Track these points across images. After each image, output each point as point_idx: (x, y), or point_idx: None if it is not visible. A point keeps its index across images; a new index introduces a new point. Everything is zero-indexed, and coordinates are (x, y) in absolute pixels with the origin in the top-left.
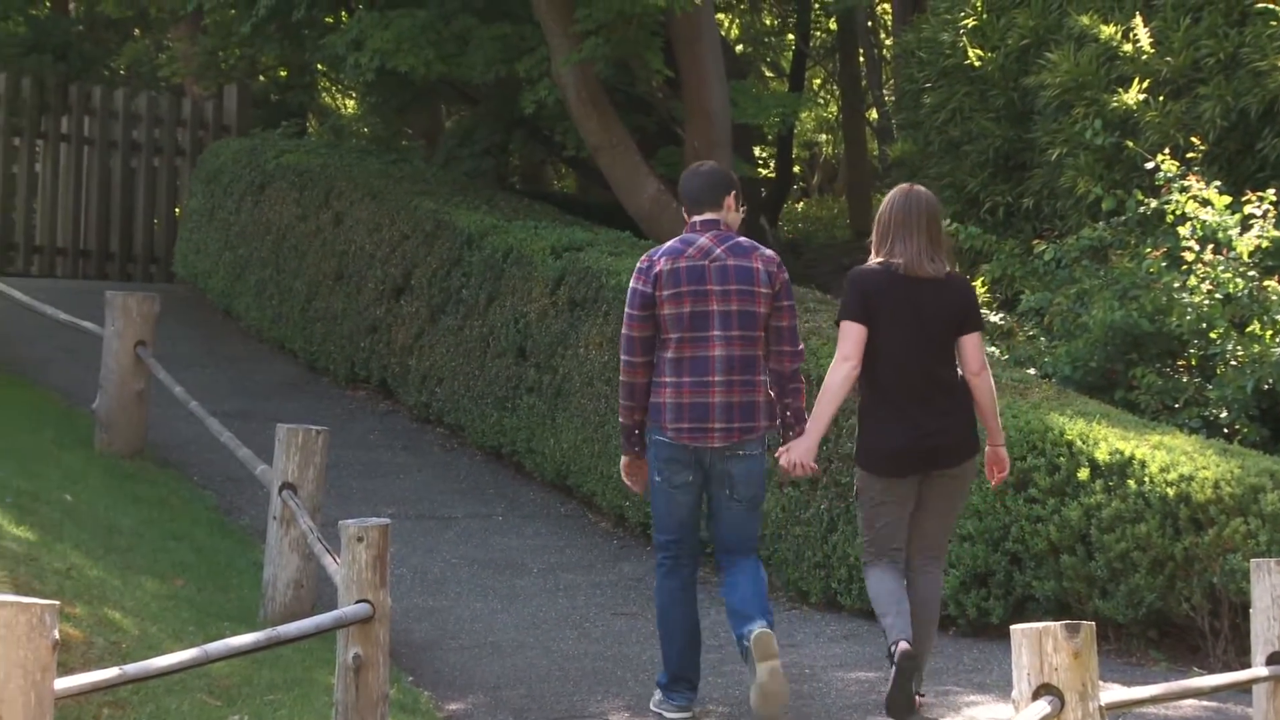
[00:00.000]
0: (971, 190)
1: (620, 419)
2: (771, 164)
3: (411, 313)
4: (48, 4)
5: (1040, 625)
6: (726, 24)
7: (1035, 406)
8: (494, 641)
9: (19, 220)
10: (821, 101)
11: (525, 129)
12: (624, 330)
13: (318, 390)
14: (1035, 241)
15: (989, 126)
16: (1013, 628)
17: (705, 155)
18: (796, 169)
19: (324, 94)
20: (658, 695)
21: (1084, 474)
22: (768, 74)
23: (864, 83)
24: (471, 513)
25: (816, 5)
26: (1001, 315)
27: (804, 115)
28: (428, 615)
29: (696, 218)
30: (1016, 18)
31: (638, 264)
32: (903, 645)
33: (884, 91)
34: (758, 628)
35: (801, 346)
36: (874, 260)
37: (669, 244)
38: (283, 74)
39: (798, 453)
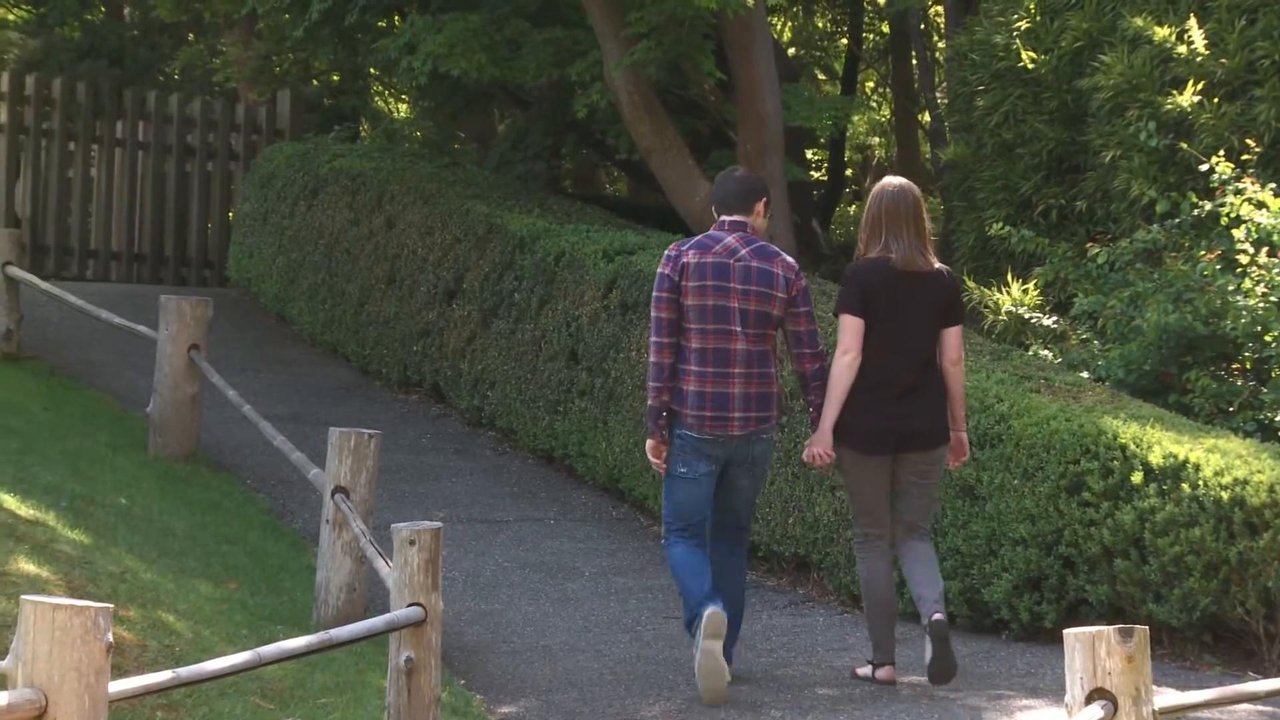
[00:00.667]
0: (1024, 193)
1: (649, 400)
2: (824, 167)
3: (463, 316)
4: (103, 9)
5: (1094, 629)
6: (779, 27)
7: (1089, 410)
8: (546, 645)
9: (74, 225)
10: (874, 104)
11: (577, 133)
12: (653, 312)
13: (370, 394)
14: (1089, 245)
15: (1042, 129)
16: (1066, 632)
17: (757, 158)
18: (849, 172)
19: (377, 98)
20: (692, 640)
21: (1137, 478)
22: (820, 77)
23: (916, 85)
24: (523, 516)
25: (869, 8)
26: (1055, 319)
27: (856, 118)
28: (479, 619)
29: (726, 218)
30: (1070, 20)
31: (666, 251)
32: (937, 616)
33: (936, 94)
34: (710, 607)
35: (822, 347)
36: (868, 254)
37: (697, 238)
38: (336, 78)
39: (818, 446)
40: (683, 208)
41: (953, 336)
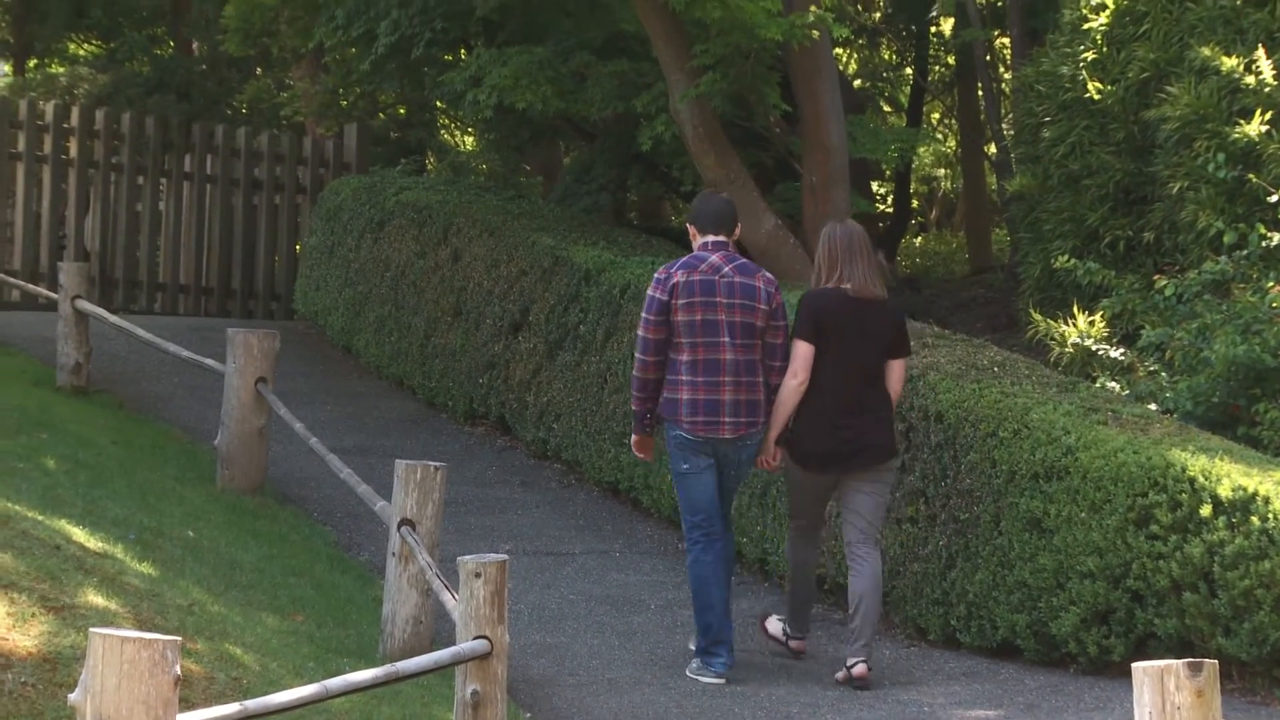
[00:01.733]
0: (1091, 224)
1: (633, 406)
2: (889, 199)
3: (529, 349)
4: (171, 45)
5: (1162, 663)
6: (844, 59)
7: (1156, 442)
8: (611, 678)
9: (143, 258)
10: (940, 136)
11: (643, 165)
12: (640, 333)
13: (436, 426)
14: (1156, 276)
15: (1109, 160)
16: (1134, 666)
17: (822, 190)
18: (914, 204)
19: (443, 131)
20: (695, 663)
21: (1206, 510)
22: (886, 109)
23: (982, 117)
24: (589, 549)
25: (935, 40)
26: (1122, 350)
27: (922, 150)
28: (545, 651)
29: (709, 239)
30: (1137, 50)
31: (655, 275)
32: (858, 669)
33: (1003, 125)
34: (726, 669)
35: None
36: (825, 284)
37: (683, 259)
38: (402, 112)
39: (764, 455)
40: (748, 240)
41: (898, 369)
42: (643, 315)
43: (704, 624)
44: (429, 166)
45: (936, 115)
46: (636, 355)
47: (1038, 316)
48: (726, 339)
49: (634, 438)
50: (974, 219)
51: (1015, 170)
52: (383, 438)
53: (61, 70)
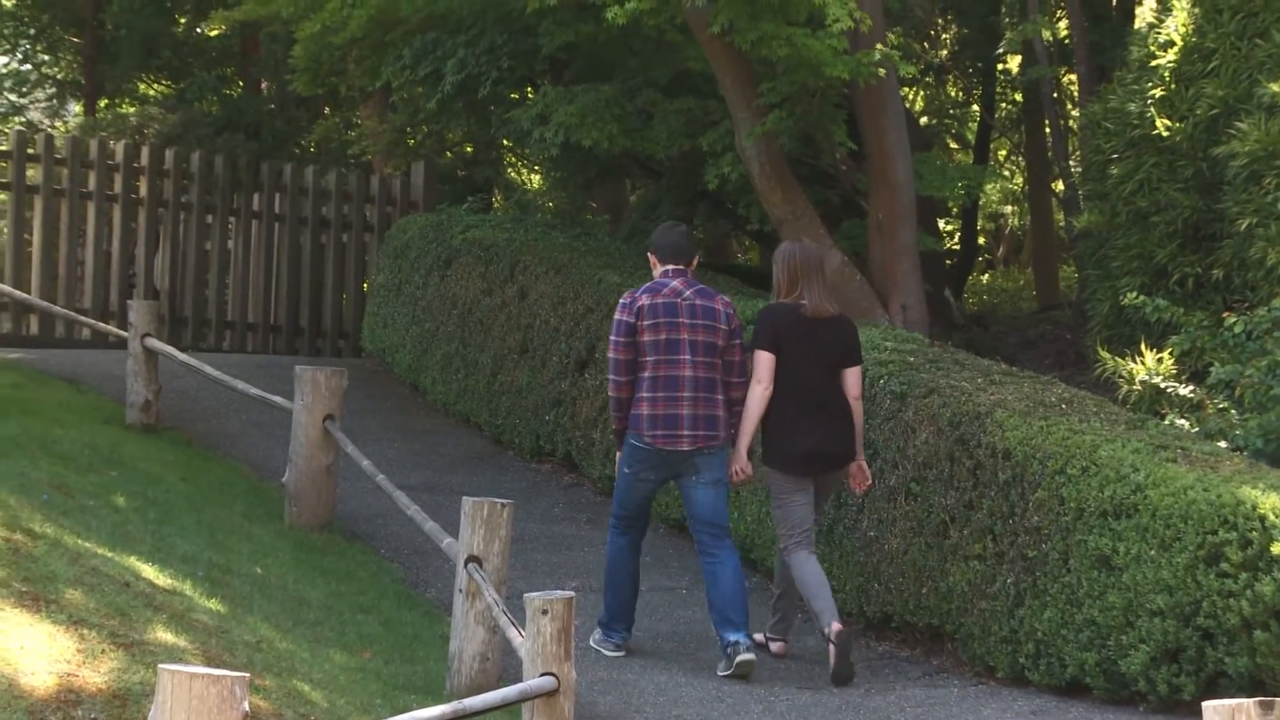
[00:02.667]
0: (1160, 261)
1: (613, 425)
2: (956, 236)
3: (595, 386)
4: (240, 84)
5: (1233, 702)
6: (911, 96)
7: (1227, 480)
8: (679, 715)
9: (211, 296)
10: (1007, 173)
11: (709, 203)
12: (610, 355)
13: (503, 463)
14: (1225, 313)
15: (1177, 197)
16: (1205, 704)
17: (889, 227)
18: (981, 241)
19: (509, 169)
20: (598, 634)
21: (1277, 548)
22: (952, 146)
23: (1050, 154)
24: (656, 586)
25: (1002, 77)
26: (1191, 388)
27: (989, 187)
28: (612, 688)
29: (669, 266)
30: (1205, 87)
31: (621, 300)
32: (836, 626)
33: (1070, 162)
34: (743, 650)
35: (747, 380)
36: (783, 300)
37: (647, 285)
38: (469, 150)
39: (735, 465)
40: None
41: (853, 376)
42: (611, 338)
43: (609, 602)
44: (495, 204)
45: (1004, 152)
46: (609, 376)
47: (1106, 354)
48: (688, 357)
49: (619, 454)
50: (1041, 256)
51: (1083, 207)
52: (449, 475)
53: (132, 110)
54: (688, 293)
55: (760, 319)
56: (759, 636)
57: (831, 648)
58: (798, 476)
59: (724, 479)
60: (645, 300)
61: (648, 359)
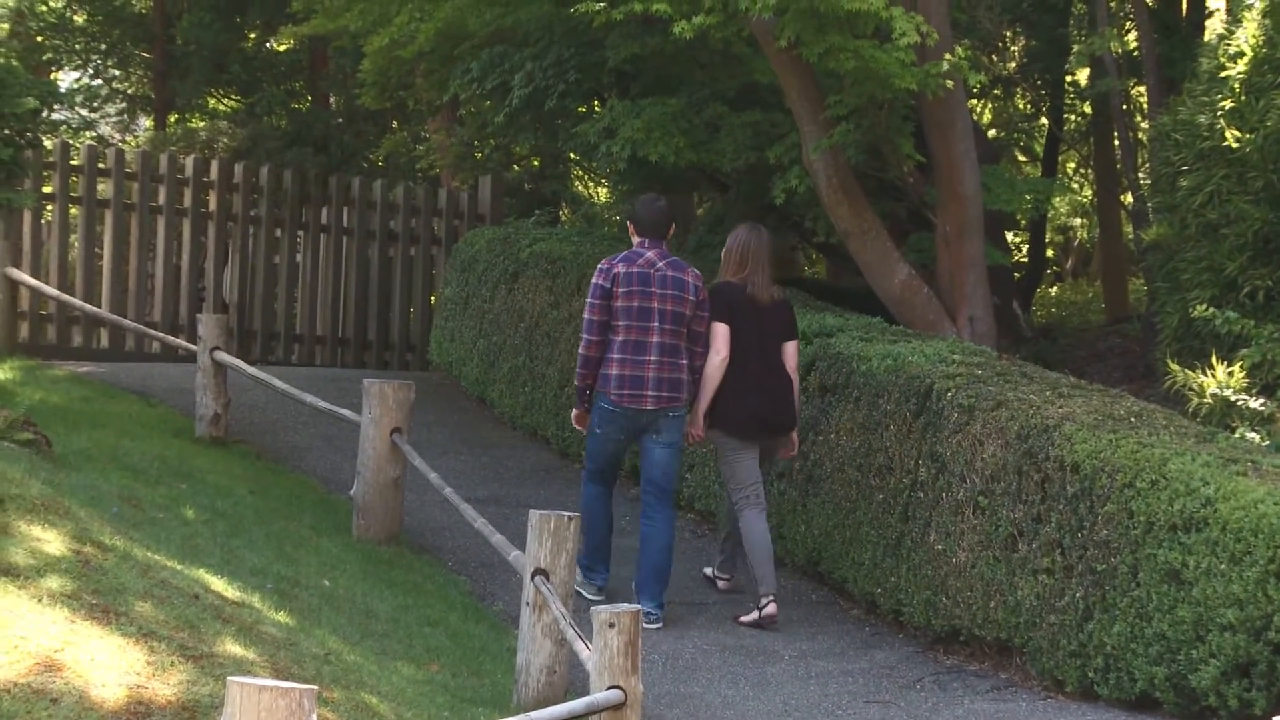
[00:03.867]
0: (1230, 274)
1: (576, 381)
2: (1024, 249)
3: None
4: (309, 98)
5: None
6: (979, 109)
7: None
8: None
9: (280, 310)
10: (1075, 186)
11: (776, 215)
12: (586, 315)
13: (570, 477)
14: None
15: (1248, 209)
16: (1277, 719)
17: (956, 240)
18: (1050, 253)
19: (576, 182)
20: (579, 576)
21: None
22: (1020, 158)
23: (1119, 166)
24: (722, 598)
25: (1070, 89)
26: (1262, 401)
27: (1057, 200)
28: (679, 701)
29: (645, 239)
30: (1276, 99)
31: (599, 266)
32: (769, 608)
33: (1139, 175)
34: (649, 621)
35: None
36: (734, 277)
37: (624, 254)
38: (536, 163)
39: (692, 428)
40: (882, 290)
41: (792, 348)
42: (588, 300)
43: (588, 543)
44: (563, 217)
45: (1072, 165)
46: (582, 335)
47: (1175, 367)
48: (656, 324)
49: (575, 411)
50: (1110, 269)
51: (1152, 219)
52: (516, 488)
53: (202, 125)
54: (661, 264)
55: (713, 295)
56: (708, 571)
57: (755, 612)
58: (743, 438)
59: (679, 443)
60: (621, 268)
61: (619, 323)
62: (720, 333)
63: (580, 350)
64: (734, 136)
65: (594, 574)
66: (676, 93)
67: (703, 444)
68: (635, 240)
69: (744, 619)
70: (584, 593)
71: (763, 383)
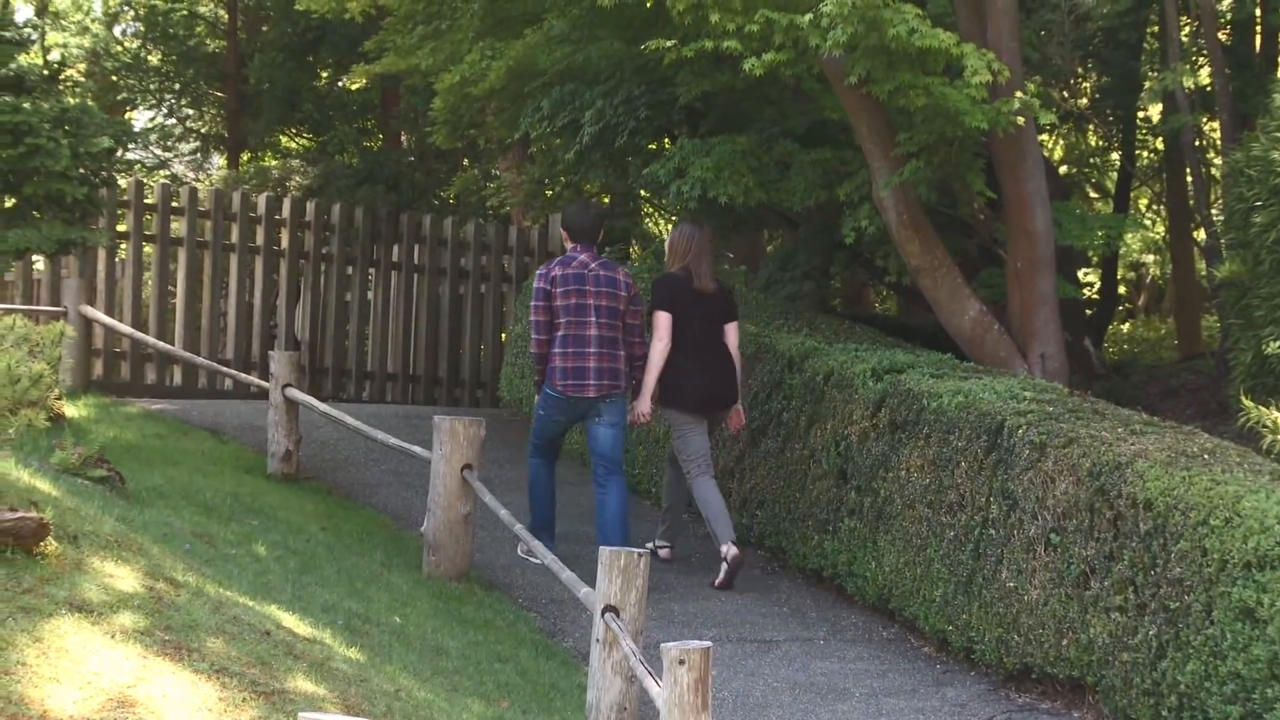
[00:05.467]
0: None
1: (535, 377)
2: (1096, 285)
3: (731, 436)
4: (380, 137)
5: None
6: (1050, 144)
7: None
8: None
9: (351, 347)
10: (1148, 222)
11: (846, 252)
12: (531, 317)
13: (639, 513)
14: None
15: None
16: None
17: (1028, 276)
18: (1122, 290)
19: (646, 219)
20: (526, 546)
21: None
22: (1092, 195)
23: (1191, 202)
24: (793, 636)
25: (1142, 125)
26: None
27: (1129, 236)
28: None
29: (579, 243)
30: None
31: (538, 271)
32: (731, 549)
33: (1212, 211)
34: (550, 544)
35: (646, 340)
36: (677, 268)
37: (559, 258)
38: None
39: (639, 408)
40: (952, 327)
41: (732, 329)
42: (531, 304)
43: (534, 514)
44: (633, 254)
45: (1145, 201)
46: (531, 335)
47: (1249, 403)
48: (593, 319)
49: (538, 399)
50: (1183, 305)
51: (1225, 256)
52: (586, 524)
53: (274, 163)
54: (593, 265)
55: (657, 286)
56: (650, 545)
57: (723, 565)
58: (692, 414)
59: (622, 422)
60: (558, 271)
61: (561, 320)
62: (663, 321)
63: (531, 349)
64: (804, 174)
65: (541, 537)
66: (746, 129)
67: (650, 424)
68: (569, 246)
69: (716, 582)
70: (530, 560)
71: (708, 363)
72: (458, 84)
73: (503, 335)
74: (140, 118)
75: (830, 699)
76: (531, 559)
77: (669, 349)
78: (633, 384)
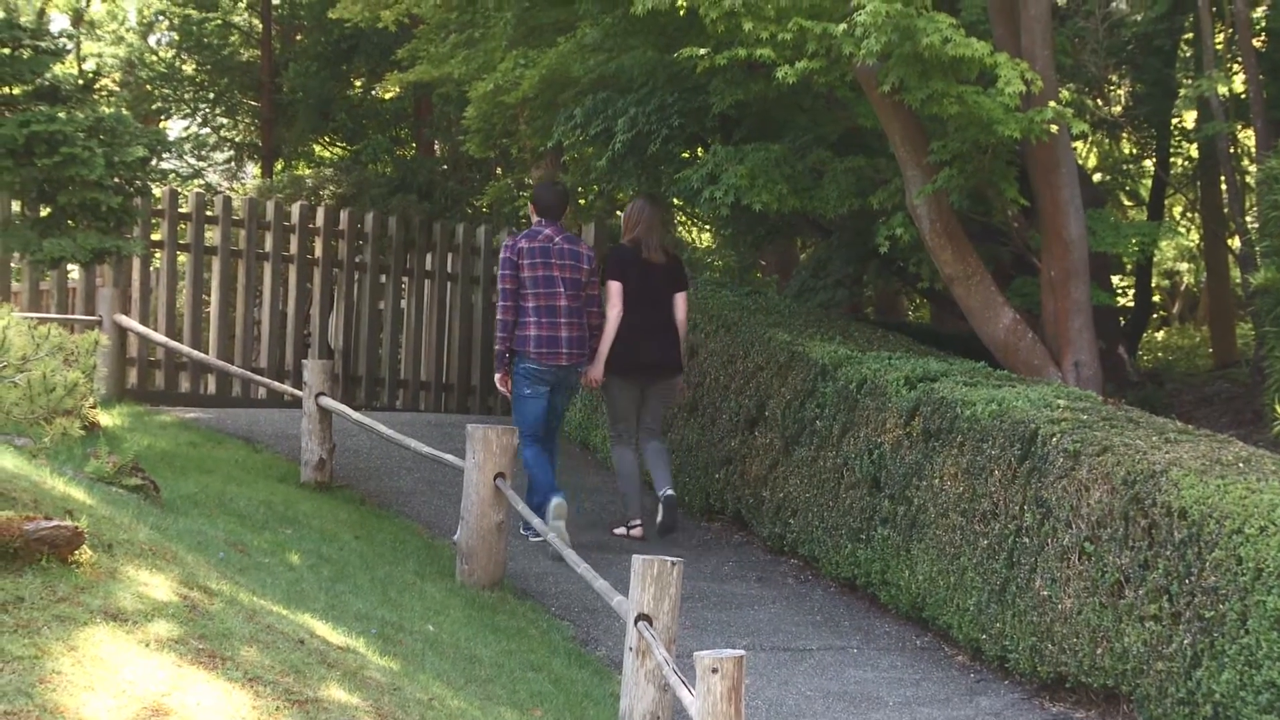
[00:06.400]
0: None
1: (496, 346)
2: (1130, 293)
3: (765, 444)
4: (414, 146)
5: None
6: (1084, 152)
7: None
8: None
9: (385, 355)
10: (1182, 229)
11: (879, 260)
12: (499, 285)
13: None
14: None
15: None
16: None
17: (1061, 284)
18: (1156, 298)
19: (679, 227)
20: (531, 527)
21: None
22: (1126, 202)
23: (1226, 210)
24: (826, 645)
25: (1177, 132)
26: None
27: (1163, 243)
28: None
29: (544, 219)
30: None
31: (505, 242)
32: (668, 492)
33: (1247, 218)
34: (555, 498)
35: (605, 310)
36: (628, 240)
37: (525, 232)
38: None
39: (592, 374)
40: (985, 334)
41: (681, 299)
42: (499, 272)
43: (536, 500)
44: None
45: (1179, 208)
46: (498, 303)
47: None
48: (561, 290)
49: (497, 375)
50: (1218, 313)
51: (1260, 263)
52: (609, 535)
53: (308, 172)
54: (558, 239)
55: (609, 258)
56: (619, 531)
57: (625, 529)
58: (624, 378)
59: (576, 387)
60: (524, 244)
61: (529, 291)
62: (614, 289)
63: (498, 316)
64: (837, 182)
65: (544, 512)
66: (779, 137)
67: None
68: (535, 220)
69: (616, 530)
70: (531, 539)
71: (648, 330)
72: (491, 92)
73: None
74: (174, 127)
75: (864, 708)
76: (531, 538)
77: (621, 317)
78: (590, 350)
